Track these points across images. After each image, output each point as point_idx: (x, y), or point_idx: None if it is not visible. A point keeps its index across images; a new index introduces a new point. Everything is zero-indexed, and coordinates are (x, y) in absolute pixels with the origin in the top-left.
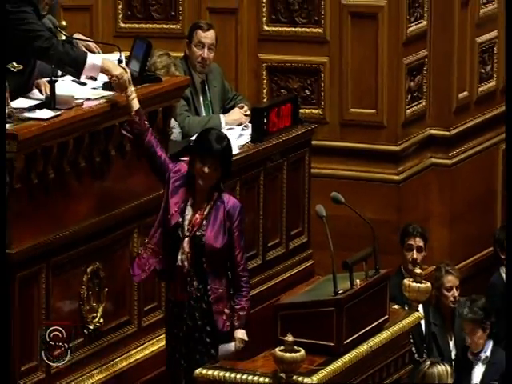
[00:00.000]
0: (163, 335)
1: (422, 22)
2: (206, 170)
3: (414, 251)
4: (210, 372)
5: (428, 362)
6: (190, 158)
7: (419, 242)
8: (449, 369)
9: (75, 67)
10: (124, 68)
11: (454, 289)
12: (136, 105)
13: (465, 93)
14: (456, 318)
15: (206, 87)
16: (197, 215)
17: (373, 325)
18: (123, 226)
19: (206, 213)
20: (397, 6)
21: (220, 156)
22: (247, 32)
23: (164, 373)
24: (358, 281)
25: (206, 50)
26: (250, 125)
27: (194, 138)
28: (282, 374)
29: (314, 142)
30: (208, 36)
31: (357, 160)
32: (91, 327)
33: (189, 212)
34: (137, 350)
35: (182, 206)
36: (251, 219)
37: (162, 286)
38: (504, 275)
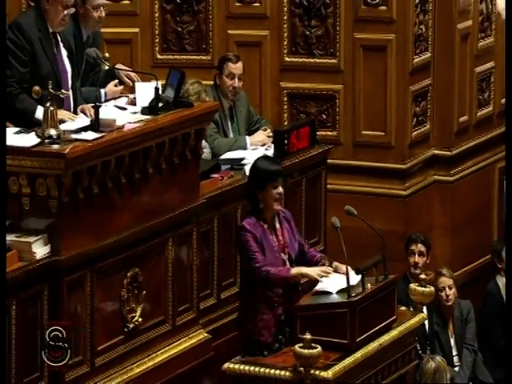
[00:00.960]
0: (195, 333)
1: (426, 54)
2: (281, 189)
3: (416, 255)
4: (236, 366)
5: (430, 361)
6: (253, 195)
7: (421, 247)
8: (443, 359)
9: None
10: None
11: (447, 288)
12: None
13: (465, 117)
14: (455, 319)
15: (234, 112)
16: (280, 237)
17: (382, 324)
18: (159, 235)
19: (281, 231)
20: (403, 40)
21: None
22: (270, 63)
23: (195, 366)
24: (369, 285)
25: (236, 79)
26: (272, 145)
27: (222, 156)
28: (301, 368)
29: (329, 161)
30: (237, 67)
31: (368, 177)
32: (131, 326)
33: (274, 239)
34: (171, 346)
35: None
36: None
37: (194, 288)
38: (499, 283)
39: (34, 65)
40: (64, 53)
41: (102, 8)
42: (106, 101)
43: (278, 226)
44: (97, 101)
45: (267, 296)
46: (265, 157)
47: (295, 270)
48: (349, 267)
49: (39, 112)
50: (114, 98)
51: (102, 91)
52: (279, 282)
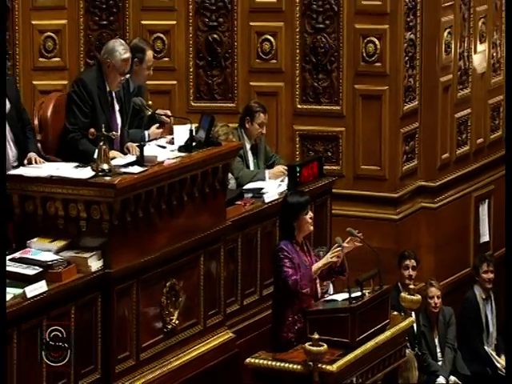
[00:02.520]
0: (222, 333)
1: (414, 102)
2: (311, 213)
3: (410, 269)
4: (257, 361)
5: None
6: (289, 225)
7: (413, 262)
8: (412, 352)
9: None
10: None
11: (435, 297)
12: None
13: (446, 154)
14: (439, 323)
15: (254, 150)
16: (309, 257)
17: (378, 326)
18: (192, 252)
19: (309, 252)
20: (395, 90)
21: None
22: (285, 109)
23: (222, 361)
24: (366, 293)
25: (264, 127)
26: (286, 178)
27: (245, 186)
28: (310, 363)
29: (334, 190)
30: (266, 118)
31: (366, 204)
32: (169, 327)
33: (305, 258)
34: (202, 343)
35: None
36: None
37: (222, 296)
38: (476, 292)
39: (92, 116)
40: (117, 108)
41: (151, 68)
42: (149, 141)
43: (305, 248)
44: (141, 141)
45: (301, 307)
46: (292, 192)
47: (314, 268)
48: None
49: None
50: (156, 139)
51: (146, 133)
52: (308, 281)
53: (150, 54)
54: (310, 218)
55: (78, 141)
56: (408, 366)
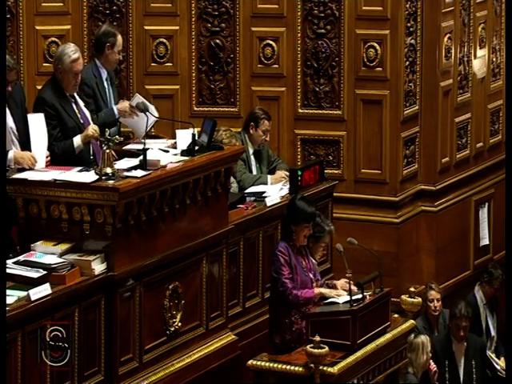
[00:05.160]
0: (224, 335)
1: (414, 107)
2: (308, 232)
3: (461, 330)
4: (259, 362)
5: (412, 335)
6: (288, 227)
7: (465, 322)
8: (428, 338)
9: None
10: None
11: (435, 301)
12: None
13: (446, 158)
14: (440, 325)
15: (257, 154)
16: (307, 260)
17: (379, 329)
18: (195, 255)
19: (307, 256)
20: (396, 95)
21: None
22: (286, 113)
23: (225, 363)
24: (367, 296)
25: (268, 135)
26: (288, 182)
27: (247, 190)
28: (312, 365)
29: (335, 194)
30: (270, 125)
31: (367, 207)
32: (172, 329)
33: (302, 261)
34: (205, 346)
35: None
36: None
37: (224, 299)
38: (477, 295)
39: (61, 122)
40: (81, 104)
41: (120, 53)
42: (119, 117)
43: (303, 252)
44: (111, 116)
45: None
46: (303, 198)
47: (317, 291)
48: (350, 282)
49: (75, 141)
50: (124, 114)
51: (114, 108)
52: (306, 302)
53: (119, 38)
54: (305, 236)
55: (54, 151)
56: (413, 348)
